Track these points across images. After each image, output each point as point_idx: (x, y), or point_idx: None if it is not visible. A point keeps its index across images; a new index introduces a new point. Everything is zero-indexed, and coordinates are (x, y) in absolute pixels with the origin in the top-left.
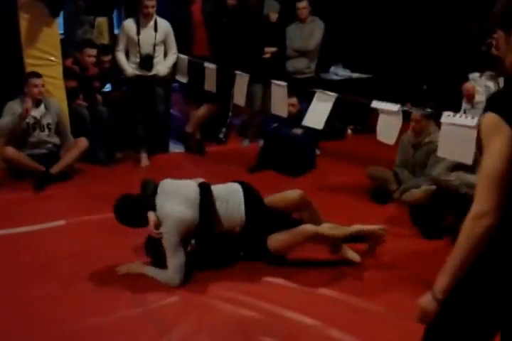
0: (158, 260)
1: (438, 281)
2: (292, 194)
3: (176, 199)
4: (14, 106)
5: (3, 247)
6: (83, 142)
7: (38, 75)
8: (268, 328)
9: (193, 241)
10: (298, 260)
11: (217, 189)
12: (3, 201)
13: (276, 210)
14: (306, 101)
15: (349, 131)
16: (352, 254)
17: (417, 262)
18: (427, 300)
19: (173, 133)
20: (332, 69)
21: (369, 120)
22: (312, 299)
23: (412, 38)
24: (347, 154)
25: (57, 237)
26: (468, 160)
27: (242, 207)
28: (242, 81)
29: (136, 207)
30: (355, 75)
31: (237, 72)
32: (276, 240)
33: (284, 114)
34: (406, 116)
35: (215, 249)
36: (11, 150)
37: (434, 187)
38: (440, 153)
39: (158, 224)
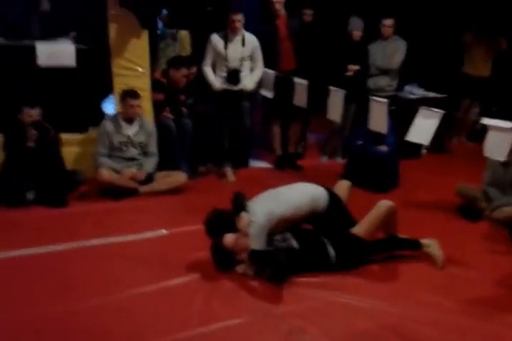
0: (220, 261)
1: None
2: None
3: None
4: (108, 125)
5: (109, 254)
6: (182, 177)
7: (136, 95)
8: None
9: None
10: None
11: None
12: (98, 210)
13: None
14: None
15: (424, 151)
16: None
17: None
18: None
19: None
20: (407, 88)
21: (444, 141)
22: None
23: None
24: (426, 173)
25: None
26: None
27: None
28: (337, 97)
29: (226, 222)
30: (431, 94)
31: (332, 87)
32: (362, 225)
33: (384, 131)
34: None
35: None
36: (106, 173)
37: None
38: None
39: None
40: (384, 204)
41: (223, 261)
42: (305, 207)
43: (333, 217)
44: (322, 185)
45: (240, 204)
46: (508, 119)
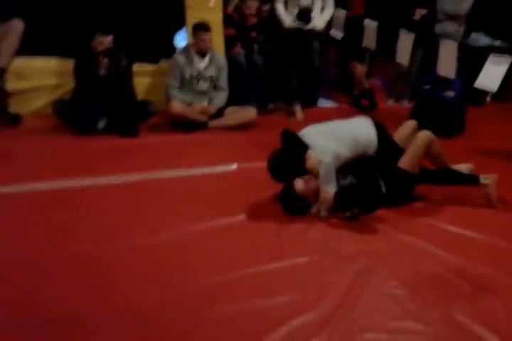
0: (291, 208)
1: None
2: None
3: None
4: (180, 58)
5: (176, 186)
6: (252, 113)
7: (207, 29)
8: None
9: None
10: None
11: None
12: (168, 142)
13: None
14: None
15: (488, 99)
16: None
17: None
18: None
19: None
20: (473, 35)
21: (509, 89)
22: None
23: None
24: (492, 120)
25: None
26: None
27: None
28: (407, 40)
29: (293, 163)
30: (497, 43)
31: (402, 30)
32: (405, 158)
33: (452, 76)
34: None
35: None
36: (177, 106)
37: None
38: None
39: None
40: (420, 135)
41: (297, 208)
42: (359, 151)
43: (382, 156)
44: (378, 125)
45: (300, 142)
46: None
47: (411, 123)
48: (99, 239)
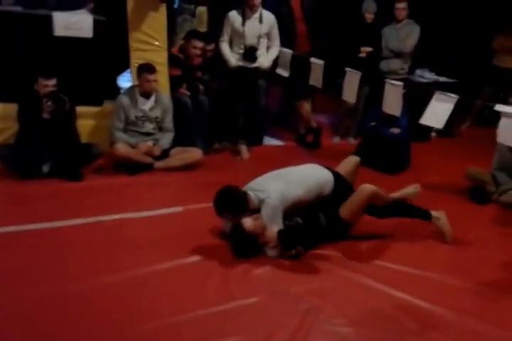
0: (240, 247)
1: None
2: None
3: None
4: (124, 100)
5: (122, 230)
6: (197, 154)
7: (153, 70)
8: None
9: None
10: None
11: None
12: (113, 185)
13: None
14: None
15: (433, 134)
16: (448, 230)
17: None
18: None
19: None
20: (418, 71)
21: (453, 125)
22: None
23: None
24: (436, 156)
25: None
26: None
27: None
28: (353, 78)
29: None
30: (442, 79)
31: (348, 69)
32: (346, 207)
33: (397, 113)
34: None
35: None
36: (122, 148)
37: None
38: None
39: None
40: (364, 189)
41: (246, 248)
42: (313, 191)
43: (335, 199)
44: (329, 168)
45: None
46: None
47: (353, 159)
48: (36, 284)
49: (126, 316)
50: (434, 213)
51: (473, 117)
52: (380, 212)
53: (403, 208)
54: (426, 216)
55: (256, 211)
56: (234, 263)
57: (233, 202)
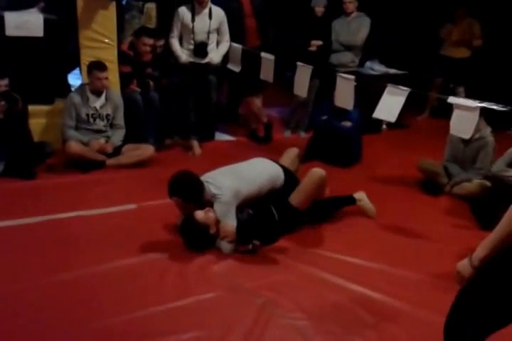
0: (193, 240)
1: (477, 251)
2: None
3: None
4: (75, 98)
5: (77, 227)
6: (149, 150)
7: (103, 68)
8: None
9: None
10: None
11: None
12: (66, 183)
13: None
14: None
15: (384, 126)
16: (370, 208)
17: None
18: (463, 265)
19: None
20: (368, 64)
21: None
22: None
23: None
24: (388, 148)
25: (129, 220)
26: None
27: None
28: (304, 72)
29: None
30: (392, 71)
31: (299, 63)
32: (296, 194)
33: (350, 107)
34: None
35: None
36: (74, 146)
37: (486, 181)
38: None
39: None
40: (314, 174)
41: (199, 240)
42: (266, 186)
43: (285, 191)
44: (276, 162)
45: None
46: (473, 98)
47: (294, 151)
48: None
49: (81, 313)
50: (356, 196)
51: (430, 109)
52: (314, 217)
53: (329, 203)
54: (351, 201)
55: (207, 204)
56: (190, 258)
57: (188, 188)
